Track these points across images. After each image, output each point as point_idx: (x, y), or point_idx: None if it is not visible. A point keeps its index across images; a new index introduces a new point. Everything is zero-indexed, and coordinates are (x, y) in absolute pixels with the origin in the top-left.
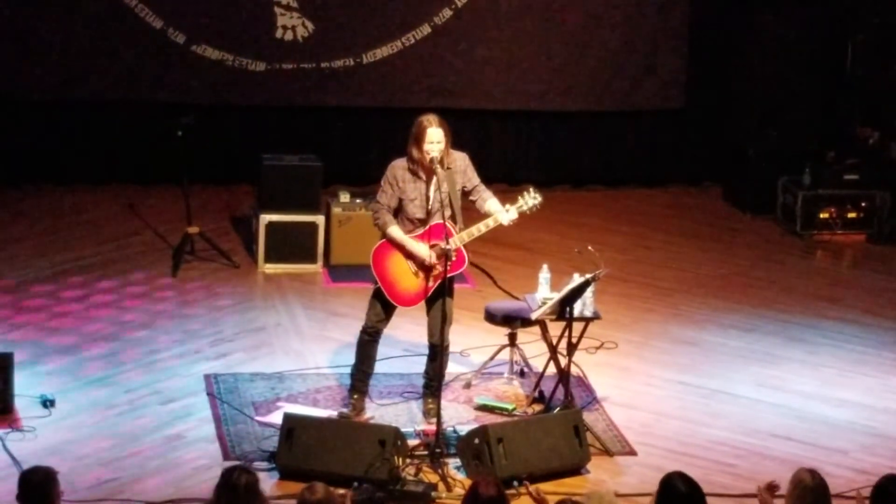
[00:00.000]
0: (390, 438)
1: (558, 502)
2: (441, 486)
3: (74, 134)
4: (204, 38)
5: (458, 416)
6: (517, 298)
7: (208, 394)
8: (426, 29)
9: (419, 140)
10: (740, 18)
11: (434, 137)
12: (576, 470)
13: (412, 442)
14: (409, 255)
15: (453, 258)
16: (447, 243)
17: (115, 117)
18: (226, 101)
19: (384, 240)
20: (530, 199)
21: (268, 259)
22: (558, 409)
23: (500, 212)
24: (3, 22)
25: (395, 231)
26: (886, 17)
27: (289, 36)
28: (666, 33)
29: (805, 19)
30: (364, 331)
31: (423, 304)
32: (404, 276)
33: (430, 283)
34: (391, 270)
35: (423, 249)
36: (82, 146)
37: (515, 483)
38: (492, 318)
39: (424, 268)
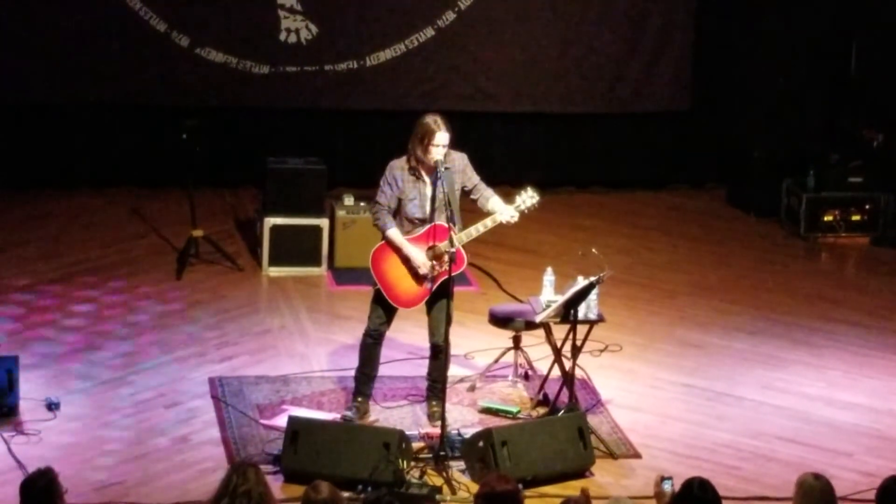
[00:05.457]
0: (395, 441)
1: (562, 502)
2: (445, 489)
3: (79, 137)
4: (208, 41)
5: (463, 419)
6: (521, 301)
7: (213, 397)
8: (429, 31)
9: (425, 141)
10: (745, 20)
11: (441, 141)
12: (580, 473)
13: (416, 445)
14: (407, 260)
15: (454, 259)
16: (450, 244)
17: (119, 120)
18: (230, 104)
19: (383, 241)
20: (528, 198)
21: (272, 262)
22: (563, 411)
23: (499, 211)
24: (7, 25)
25: (395, 234)
26: (891, 18)
27: (293, 39)
28: (670, 35)
29: (809, 21)
30: (366, 334)
31: (423, 305)
32: (404, 278)
33: (430, 285)
34: (391, 272)
35: (419, 256)
36: (87, 149)
37: (520, 486)
38: (496, 320)
39: (417, 275)
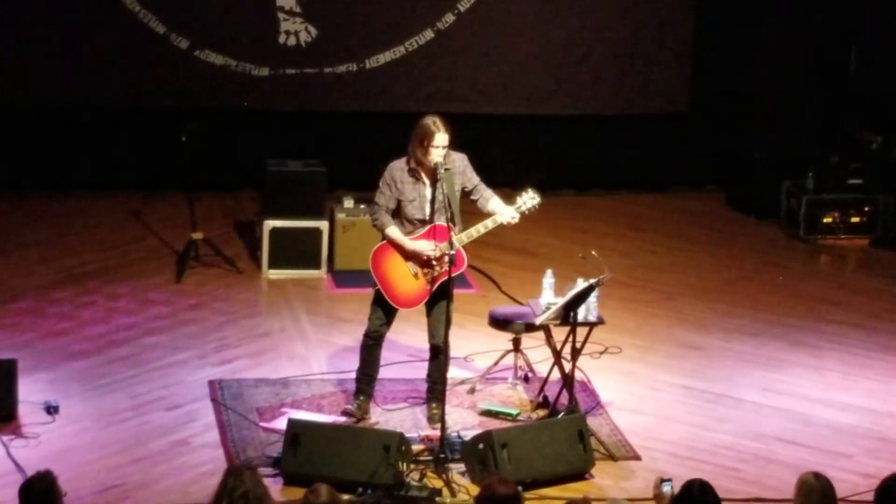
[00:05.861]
0: (394, 444)
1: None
2: (445, 491)
3: (78, 140)
4: (207, 44)
5: (463, 422)
6: (521, 303)
7: (213, 400)
8: (429, 34)
9: (424, 142)
10: (744, 23)
11: (440, 142)
12: (580, 475)
13: (416, 447)
14: (409, 256)
15: (454, 261)
16: (450, 245)
17: (118, 123)
18: (229, 107)
19: (383, 241)
20: (529, 199)
21: (272, 265)
22: (562, 414)
23: (500, 212)
24: (6, 28)
25: (394, 231)
26: (890, 21)
27: (292, 41)
28: (670, 38)
29: (809, 24)
30: (367, 335)
31: (422, 306)
32: (404, 278)
33: (430, 286)
34: (391, 272)
35: (424, 245)
36: (86, 152)
37: (520, 489)
38: (496, 323)
39: (426, 265)
